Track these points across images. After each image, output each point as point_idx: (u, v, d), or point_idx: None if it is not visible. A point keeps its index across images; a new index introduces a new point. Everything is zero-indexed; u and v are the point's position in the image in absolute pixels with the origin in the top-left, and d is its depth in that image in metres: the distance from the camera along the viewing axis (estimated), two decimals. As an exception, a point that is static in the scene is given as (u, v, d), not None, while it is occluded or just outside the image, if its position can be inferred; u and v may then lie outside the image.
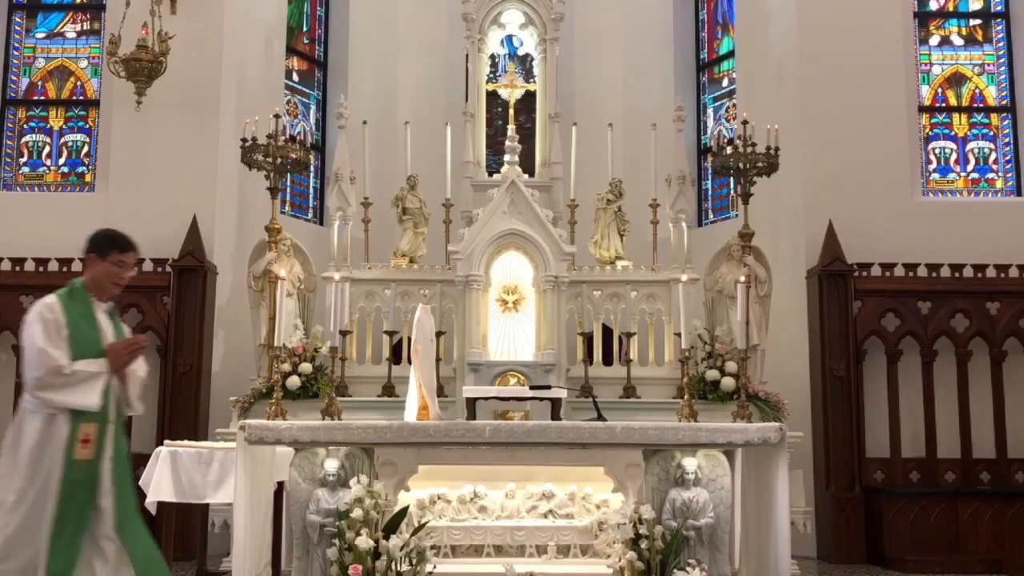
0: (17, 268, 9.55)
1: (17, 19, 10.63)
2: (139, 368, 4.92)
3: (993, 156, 10.73)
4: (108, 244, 4.95)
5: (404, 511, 6.13)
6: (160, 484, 6.63)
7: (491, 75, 9.81)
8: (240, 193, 10.09)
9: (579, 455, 6.26)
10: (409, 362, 7.34)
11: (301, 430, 5.92)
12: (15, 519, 4.51)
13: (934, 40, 10.93)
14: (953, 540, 9.03)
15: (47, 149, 10.43)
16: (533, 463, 6.45)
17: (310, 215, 11.26)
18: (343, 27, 11.77)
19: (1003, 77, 10.80)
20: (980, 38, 10.92)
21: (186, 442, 7.18)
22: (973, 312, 9.74)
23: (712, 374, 8.69)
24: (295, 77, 11.43)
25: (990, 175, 10.71)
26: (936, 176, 10.69)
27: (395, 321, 8.88)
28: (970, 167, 10.71)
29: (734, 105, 11.19)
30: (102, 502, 4.65)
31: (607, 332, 9.21)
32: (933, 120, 10.79)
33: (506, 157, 8.99)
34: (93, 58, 10.52)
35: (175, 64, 9.26)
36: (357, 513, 5.91)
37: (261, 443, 5.90)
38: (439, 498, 6.59)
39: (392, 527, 5.98)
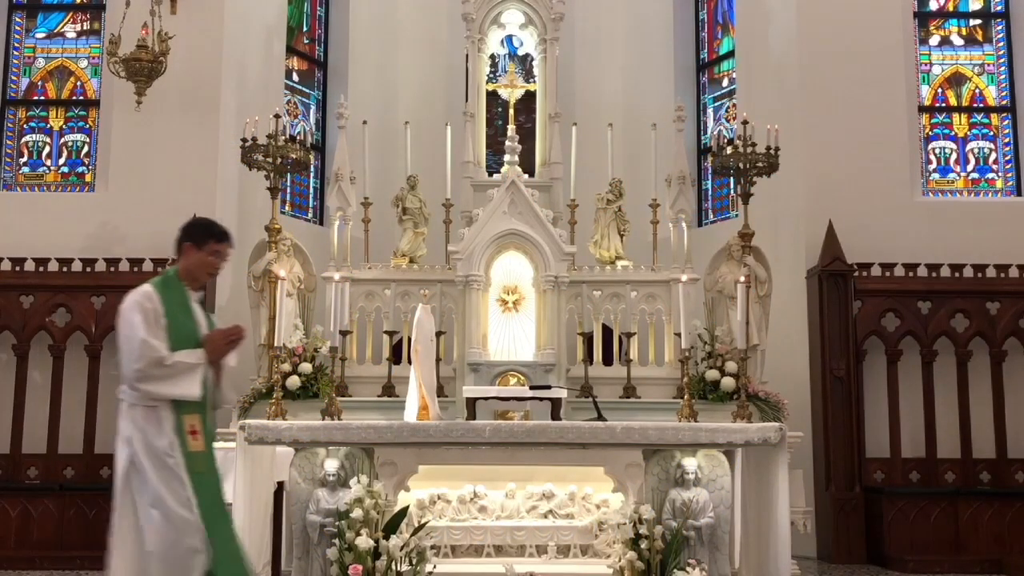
0: (17, 268, 9.55)
1: (17, 19, 10.62)
2: (230, 359, 4.85)
3: (993, 156, 10.73)
4: (206, 233, 4.84)
5: (404, 511, 6.14)
6: (160, 484, 6.61)
7: (491, 75, 9.81)
8: (240, 193, 10.08)
9: (579, 455, 6.26)
10: (409, 362, 7.34)
11: (301, 430, 5.93)
12: (157, 514, 4.40)
13: (934, 40, 10.92)
14: (953, 540, 9.03)
15: (47, 149, 10.43)
16: (533, 463, 6.46)
17: (310, 215, 11.27)
18: (343, 27, 11.77)
19: (1003, 77, 10.79)
20: (980, 38, 10.92)
21: (186, 442, 7.16)
22: (973, 312, 9.74)
23: (712, 374, 8.69)
24: (295, 77, 11.43)
25: (990, 175, 10.71)
26: (936, 176, 10.69)
27: (395, 321, 8.88)
28: (970, 167, 10.71)
29: (734, 105, 11.19)
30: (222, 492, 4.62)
31: (607, 332, 9.21)
32: (933, 120, 10.79)
33: (506, 157, 8.99)
34: (93, 58, 10.51)
35: (175, 64, 9.25)
36: (357, 513, 5.91)
37: (261, 443, 5.91)
38: (439, 498, 6.59)
39: (392, 527, 5.99)
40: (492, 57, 9.85)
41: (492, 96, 9.74)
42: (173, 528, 4.39)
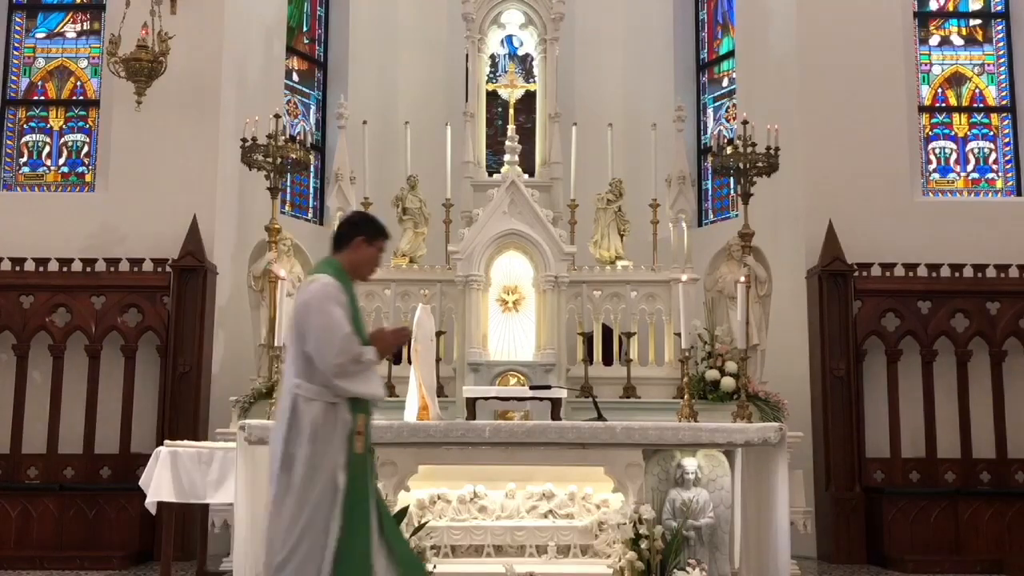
0: (17, 268, 9.55)
1: (17, 19, 10.61)
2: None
3: (993, 156, 10.73)
4: (378, 230, 4.73)
5: (404, 511, 6.14)
6: (160, 484, 6.64)
7: (491, 75, 9.81)
8: (240, 193, 10.09)
9: (579, 455, 6.26)
10: (409, 362, 7.34)
11: (301, 430, 5.91)
12: (300, 520, 4.29)
13: (934, 40, 10.92)
14: (953, 540, 9.02)
15: (47, 149, 10.42)
16: (533, 463, 6.46)
17: (310, 215, 11.26)
18: (343, 27, 11.76)
19: (1003, 77, 10.79)
20: (980, 38, 10.92)
21: (186, 442, 7.19)
22: (973, 312, 9.73)
23: (712, 374, 8.69)
24: (295, 77, 11.43)
25: (990, 175, 10.70)
26: (936, 176, 10.68)
27: (395, 321, 8.88)
28: (970, 167, 10.71)
29: (734, 105, 11.19)
30: (372, 499, 4.46)
31: (607, 332, 9.21)
32: (933, 120, 10.78)
33: (506, 157, 9.00)
34: (93, 58, 10.51)
35: (175, 64, 9.25)
36: (357, 513, 5.90)
37: (261, 443, 5.90)
38: (439, 498, 6.59)
39: (392, 527, 5.97)
40: (492, 57, 9.86)
41: (492, 96, 9.75)
42: (295, 545, 4.29)
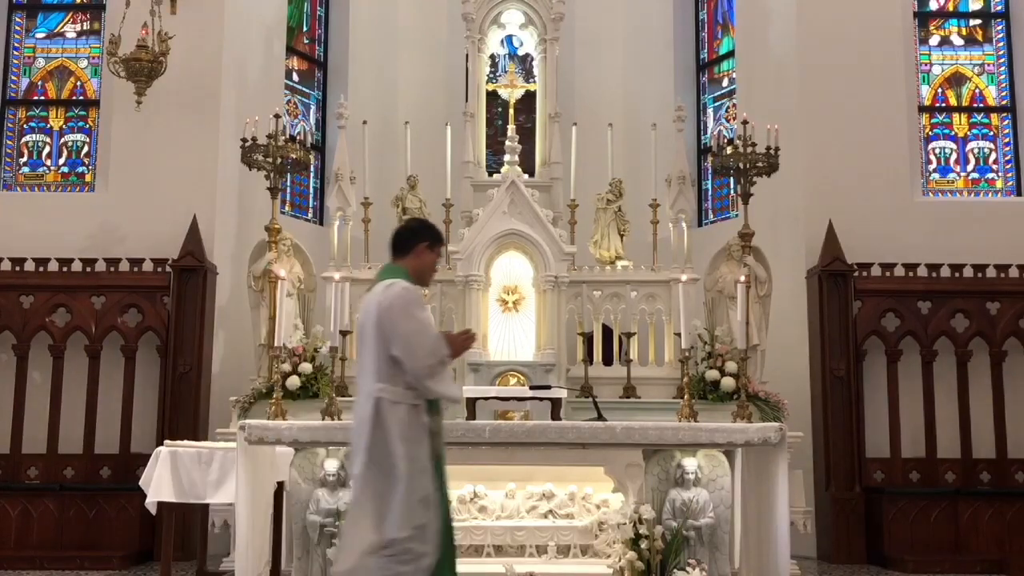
0: (17, 268, 9.55)
1: (17, 19, 10.61)
2: None
3: (993, 156, 10.73)
4: (438, 237, 4.92)
5: (404, 511, 6.13)
6: (160, 484, 6.63)
7: (491, 75, 9.82)
8: (240, 193, 10.09)
9: (579, 455, 6.27)
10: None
11: (301, 430, 5.93)
12: (408, 516, 4.39)
13: (934, 40, 10.92)
14: (953, 540, 9.02)
15: (47, 149, 10.42)
16: (533, 463, 6.47)
17: (310, 215, 11.27)
18: (343, 27, 11.76)
19: (1003, 77, 10.79)
20: (980, 38, 10.92)
21: (186, 442, 7.18)
22: (973, 312, 9.73)
23: (712, 374, 8.69)
24: (295, 77, 11.43)
25: (990, 175, 10.70)
26: (936, 176, 10.68)
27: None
28: (970, 167, 10.71)
29: (734, 105, 11.19)
30: (445, 499, 4.60)
31: (607, 332, 9.21)
32: (933, 120, 10.78)
33: (506, 157, 9.00)
34: (93, 58, 10.51)
35: (175, 64, 9.25)
36: (357, 513, 5.90)
37: (261, 443, 5.91)
38: (439, 498, 6.58)
39: (392, 527, 5.97)
40: (492, 57, 9.86)
41: (492, 96, 9.75)
42: (413, 533, 4.38)
